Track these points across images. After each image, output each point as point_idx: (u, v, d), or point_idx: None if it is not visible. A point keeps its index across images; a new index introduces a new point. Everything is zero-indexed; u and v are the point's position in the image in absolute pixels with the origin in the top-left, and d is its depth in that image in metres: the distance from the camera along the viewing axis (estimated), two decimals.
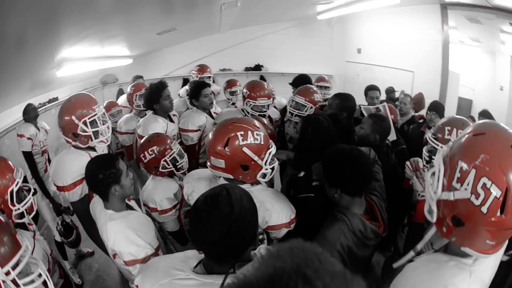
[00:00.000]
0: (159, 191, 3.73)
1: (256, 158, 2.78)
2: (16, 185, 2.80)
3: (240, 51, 13.08)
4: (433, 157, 3.26)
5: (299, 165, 3.61)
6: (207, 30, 11.16)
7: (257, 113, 4.99)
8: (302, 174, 3.52)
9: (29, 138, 5.87)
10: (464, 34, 9.81)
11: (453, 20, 8.99)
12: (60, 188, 3.57)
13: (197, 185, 3.11)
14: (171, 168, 3.89)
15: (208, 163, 2.88)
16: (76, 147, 3.69)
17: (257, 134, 2.80)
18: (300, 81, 5.96)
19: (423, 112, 7.69)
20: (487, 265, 1.71)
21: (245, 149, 2.74)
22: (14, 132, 6.17)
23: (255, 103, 5.01)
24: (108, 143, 3.89)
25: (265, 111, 5.14)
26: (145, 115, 5.71)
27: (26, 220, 2.87)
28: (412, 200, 3.62)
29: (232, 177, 2.83)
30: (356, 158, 2.67)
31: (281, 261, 0.88)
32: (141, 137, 4.62)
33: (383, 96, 7.79)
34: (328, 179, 2.68)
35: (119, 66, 9.71)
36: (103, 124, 3.73)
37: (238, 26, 11.39)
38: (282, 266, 0.86)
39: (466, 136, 1.62)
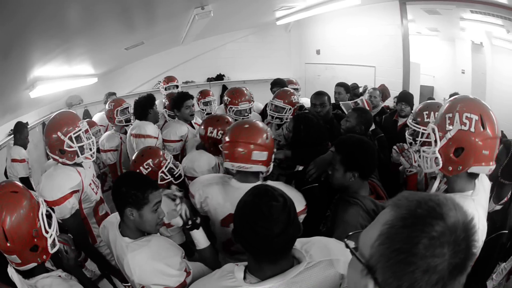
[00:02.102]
0: (162, 205, 3.25)
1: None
2: (44, 206, 2.46)
3: (201, 62, 13.07)
4: (416, 139, 3.53)
5: (298, 160, 3.83)
6: (171, 43, 11.16)
7: (240, 117, 5.11)
8: (300, 168, 3.76)
9: (25, 161, 6.07)
10: (422, 26, 10.11)
11: (411, 14, 9.26)
12: (49, 204, 3.39)
13: (209, 190, 3.09)
14: (169, 178, 3.83)
15: (240, 163, 2.95)
16: (63, 164, 3.71)
17: None
18: (276, 85, 6.46)
19: (388, 102, 8.03)
20: (481, 195, 2.35)
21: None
22: None
23: (237, 108, 5.19)
24: (94, 159, 3.95)
25: (247, 116, 5.28)
26: (126, 131, 5.83)
27: (58, 247, 2.50)
28: (400, 180, 3.89)
29: (265, 169, 3.03)
30: (372, 145, 3.02)
31: (412, 198, 1.13)
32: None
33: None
34: (348, 164, 2.87)
35: (83, 87, 9.56)
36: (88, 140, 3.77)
37: (200, 37, 11.39)
38: (417, 198, 1.11)
39: (445, 105, 2.40)
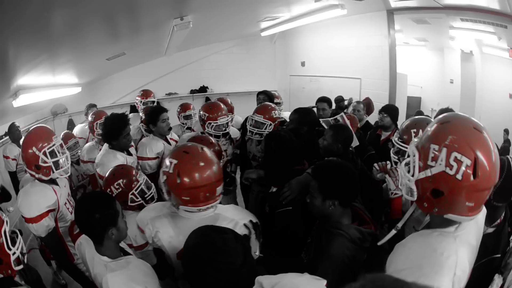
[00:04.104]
0: (132, 226, 3.24)
1: None
2: (7, 225, 2.49)
3: (185, 74, 13.07)
4: (400, 158, 3.37)
5: (272, 181, 3.65)
6: (154, 54, 11.15)
7: (220, 132, 5.03)
8: (274, 189, 3.57)
9: (13, 159, 6.41)
10: (410, 36, 10.13)
11: (399, 24, 9.19)
12: (27, 220, 3.56)
13: (158, 224, 2.83)
14: (140, 201, 3.66)
15: (205, 205, 2.67)
16: (39, 180, 3.72)
17: None
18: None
19: (373, 115, 7.81)
20: (470, 230, 1.97)
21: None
22: None
23: (217, 123, 5.02)
24: (68, 174, 3.94)
25: (225, 130, 5.15)
26: None
27: (22, 267, 2.52)
28: (383, 198, 3.67)
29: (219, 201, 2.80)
30: (352, 170, 2.84)
31: None
32: (101, 177, 4.47)
33: (333, 106, 7.79)
34: (326, 192, 2.73)
35: (68, 96, 9.49)
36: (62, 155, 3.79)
37: (183, 48, 11.39)
38: None
39: (434, 126, 1.93)
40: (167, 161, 2.66)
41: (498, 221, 2.78)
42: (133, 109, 9.18)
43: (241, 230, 2.62)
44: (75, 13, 4.33)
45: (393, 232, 2.27)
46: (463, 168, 1.73)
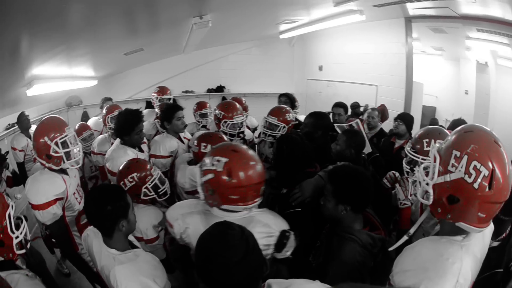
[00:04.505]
0: (143, 220, 3.48)
1: None
2: (12, 209, 2.48)
3: (202, 73, 12.99)
4: (414, 168, 3.32)
5: (283, 183, 3.66)
6: (172, 51, 11.14)
7: (235, 131, 5.05)
8: (284, 191, 3.57)
9: (21, 150, 6.35)
10: (427, 44, 10.06)
11: (416, 32, 9.16)
12: (34, 207, 3.56)
13: (189, 220, 2.80)
14: (153, 195, 3.72)
15: (252, 204, 2.67)
16: (50, 169, 3.71)
17: None
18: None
19: (387, 123, 7.77)
20: (476, 241, 2.01)
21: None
22: None
23: (232, 121, 5.07)
24: (79, 165, 3.94)
25: (240, 129, 5.17)
26: None
27: (24, 251, 2.52)
28: (392, 203, 3.69)
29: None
30: (368, 178, 2.85)
31: None
32: (110, 172, 4.51)
33: (349, 112, 7.73)
34: (340, 197, 2.74)
35: (83, 88, 9.56)
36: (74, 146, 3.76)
37: (202, 47, 11.35)
38: None
39: (457, 133, 1.99)
40: (209, 160, 2.63)
41: (504, 235, 2.81)
42: (149, 105, 9.22)
43: (275, 235, 2.66)
44: (93, 6, 4.36)
45: (405, 238, 2.28)
46: (480, 177, 1.79)
